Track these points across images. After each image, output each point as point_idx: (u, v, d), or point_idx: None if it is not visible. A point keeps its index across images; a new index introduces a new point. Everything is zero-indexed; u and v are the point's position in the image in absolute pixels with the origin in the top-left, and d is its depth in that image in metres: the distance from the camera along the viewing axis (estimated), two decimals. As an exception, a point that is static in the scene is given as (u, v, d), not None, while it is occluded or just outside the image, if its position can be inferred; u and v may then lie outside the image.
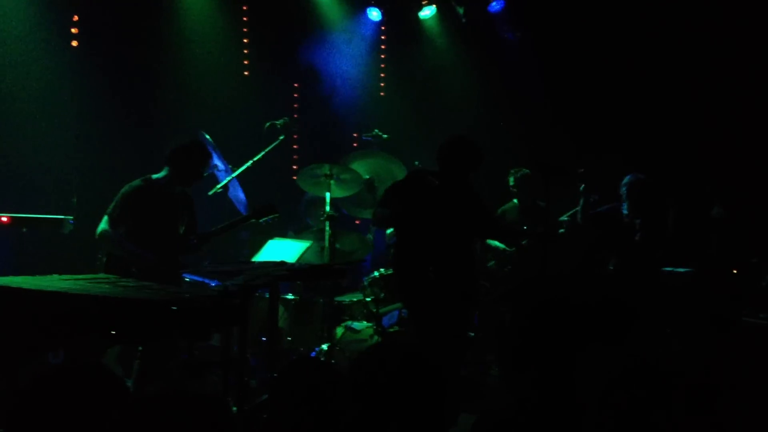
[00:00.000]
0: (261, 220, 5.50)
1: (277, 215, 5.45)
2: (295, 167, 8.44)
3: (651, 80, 7.57)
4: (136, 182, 5.04)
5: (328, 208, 6.26)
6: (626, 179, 6.12)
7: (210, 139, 6.20)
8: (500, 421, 2.26)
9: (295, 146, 8.59)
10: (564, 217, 6.82)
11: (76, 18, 7.20)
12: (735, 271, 6.29)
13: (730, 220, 6.22)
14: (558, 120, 7.76)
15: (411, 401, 2.20)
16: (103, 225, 4.94)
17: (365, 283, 6.24)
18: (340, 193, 6.55)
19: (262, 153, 6.51)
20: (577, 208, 6.62)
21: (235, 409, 3.99)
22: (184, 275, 5.52)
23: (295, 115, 8.50)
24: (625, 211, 6.09)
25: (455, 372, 5.10)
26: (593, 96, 7.71)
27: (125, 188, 5.02)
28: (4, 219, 5.77)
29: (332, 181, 6.33)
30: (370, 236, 6.94)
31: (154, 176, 5.09)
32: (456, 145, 5.05)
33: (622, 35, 7.58)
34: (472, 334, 6.26)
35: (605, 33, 7.64)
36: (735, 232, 6.24)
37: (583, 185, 6.21)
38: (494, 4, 8.41)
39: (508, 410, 2.31)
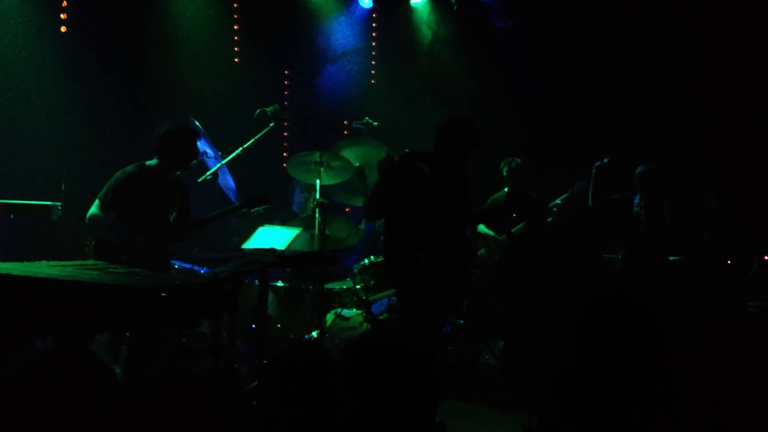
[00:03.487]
0: (252, 210, 5.49)
1: (268, 205, 5.43)
2: (285, 154, 8.42)
3: (646, 67, 7.55)
4: (130, 168, 5.02)
5: (318, 196, 6.25)
6: (639, 169, 6.08)
7: (200, 126, 6.17)
8: None
9: (285, 133, 8.56)
10: (555, 202, 6.83)
11: (64, 3, 7.14)
12: (729, 262, 6.31)
13: (725, 212, 6.22)
14: (552, 108, 7.75)
15: (402, 389, 2.20)
16: (93, 209, 4.92)
17: (355, 271, 6.23)
18: (330, 181, 6.54)
19: (252, 140, 6.49)
20: (563, 197, 6.64)
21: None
22: (173, 262, 5.51)
23: (286, 102, 8.45)
24: (636, 201, 6.08)
25: (438, 358, 5.14)
26: (587, 84, 7.70)
27: (118, 174, 5.01)
28: (-8, 205, 5.73)
29: (322, 169, 6.32)
30: (362, 226, 6.93)
31: (148, 163, 5.07)
32: (456, 125, 5.03)
33: (614, 21, 7.56)
34: (462, 322, 6.28)
35: (598, 20, 7.62)
36: (729, 223, 6.24)
37: (595, 166, 6.19)
38: (486, -9, 8.40)
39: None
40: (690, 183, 6.28)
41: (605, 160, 6.17)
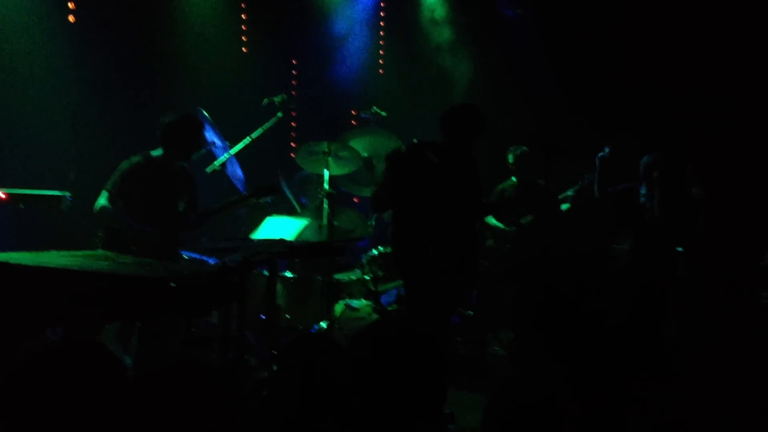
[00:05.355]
0: (261, 200, 5.48)
1: (277, 195, 5.43)
2: (293, 144, 8.41)
3: (652, 56, 7.51)
4: (135, 158, 5.02)
5: (326, 186, 6.24)
6: (644, 159, 6.04)
7: (208, 116, 6.16)
8: (520, 405, 2.26)
9: (293, 123, 8.56)
10: (566, 194, 6.81)
11: (72, -7, 7.16)
12: (722, 249, 6.29)
13: (711, 200, 6.17)
14: (560, 97, 7.72)
15: (410, 378, 2.20)
16: (101, 200, 4.92)
17: (364, 261, 6.23)
18: (338, 171, 6.52)
19: (260, 130, 6.48)
20: (574, 188, 6.61)
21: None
22: (182, 252, 5.51)
23: (293, 92, 8.45)
24: (642, 191, 6.05)
25: (447, 348, 5.15)
26: (595, 72, 7.67)
27: (124, 164, 5.00)
28: (2, 195, 5.74)
29: (330, 159, 6.31)
30: (371, 222, 6.89)
31: (153, 153, 5.07)
32: (460, 112, 5.02)
33: (621, 9, 7.52)
34: (471, 313, 6.28)
35: (604, 8, 7.59)
36: (720, 212, 6.21)
37: (598, 158, 6.16)
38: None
39: (527, 395, 2.30)
40: (680, 171, 6.24)
41: (606, 151, 6.16)
